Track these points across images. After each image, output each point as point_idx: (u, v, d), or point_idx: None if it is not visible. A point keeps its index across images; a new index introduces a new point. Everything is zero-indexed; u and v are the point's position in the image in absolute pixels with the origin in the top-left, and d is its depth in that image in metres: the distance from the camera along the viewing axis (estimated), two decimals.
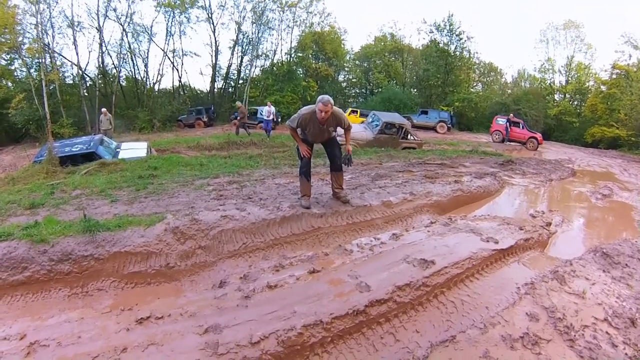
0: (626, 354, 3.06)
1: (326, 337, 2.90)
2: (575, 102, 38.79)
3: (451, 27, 34.87)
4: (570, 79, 38.65)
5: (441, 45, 35.39)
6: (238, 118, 19.45)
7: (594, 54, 39.96)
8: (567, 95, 39.00)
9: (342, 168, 5.66)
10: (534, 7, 63.50)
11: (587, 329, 3.31)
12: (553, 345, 3.08)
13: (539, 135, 23.96)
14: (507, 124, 24.02)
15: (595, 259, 4.94)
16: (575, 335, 3.20)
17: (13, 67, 23.64)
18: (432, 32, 36.11)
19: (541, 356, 2.94)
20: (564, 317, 3.43)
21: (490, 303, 3.63)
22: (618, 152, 27.29)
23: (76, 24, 24.71)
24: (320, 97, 4.93)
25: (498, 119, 25.23)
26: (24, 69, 23.00)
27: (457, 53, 35.63)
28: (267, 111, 19.31)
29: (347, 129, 5.55)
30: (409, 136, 15.20)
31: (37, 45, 21.89)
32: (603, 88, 34.67)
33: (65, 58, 25.40)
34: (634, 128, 26.26)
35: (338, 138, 5.83)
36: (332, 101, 4.92)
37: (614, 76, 33.81)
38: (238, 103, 19.71)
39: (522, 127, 24.26)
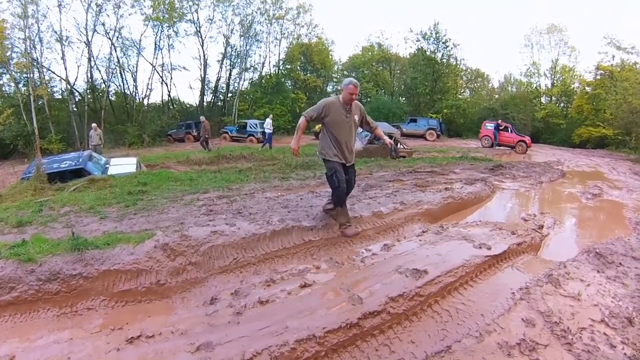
0: (625, 353, 3.05)
1: (320, 352, 2.86)
2: (562, 104, 39.38)
3: (437, 35, 35.32)
4: (555, 81, 39.28)
5: (428, 53, 35.80)
6: (202, 133, 19.04)
7: (578, 57, 40.79)
8: (554, 98, 39.58)
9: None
10: (519, 12, 64.57)
11: (584, 332, 3.30)
12: (550, 350, 3.06)
13: (527, 139, 24.14)
14: (495, 128, 24.26)
15: (589, 259, 4.96)
16: (572, 339, 3.19)
17: (1, 82, 23.49)
18: (419, 40, 36.56)
19: None
20: (560, 321, 3.42)
21: (485, 310, 3.62)
22: (605, 151, 27.78)
23: (65, 38, 24.62)
24: (348, 80, 4.76)
25: (487, 124, 25.46)
26: (12, 84, 22.83)
27: (444, 60, 36.06)
28: (269, 123, 19.47)
29: (373, 124, 5.48)
30: (398, 145, 15.24)
31: (25, 59, 21.74)
32: (588, 89, 35.32)
33: (54, 73, 25.27)
34: (620, 127, 26.60)
35: (358, 145, 5.85)
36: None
37: (598, 77, 34.46)
38: (202, 118, 19.48)
39: (511, 131, 24.45)
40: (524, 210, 7.59)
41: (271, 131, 19.69)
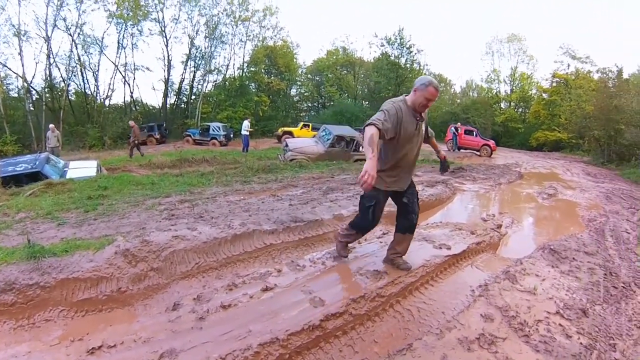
0: (581, 343, 3.23)
1: (284, 354, 2.89)
2: (520, 110, 41.19)
3: (402, 40, 36.03)
4: (514, 88, 41.02)
5: (392, 58, 36.44)
6: (131, 139, 18.08)
7: (536, 65, 42.75)
8: (512, 103, 41.33)
9: (414, 229, 4.23)
10: (481, 21, 66.76)
11: (540, 324, 3.48)
12: (509, 343, 3.19)
13: (492, 142, 24.79)
14: (455, 132, 24.91)
15: (544, 255, 5.24)
16: (529, 331, 3.35)
17: None
18: (384, 45, 37.16)
19: (498, 354, 3.04)
20: (517, 315, 3.59)
21: (446, 308, 3.74)
22: (561, 153, 29.34)
23: (23, 33, 23.52)
24: (426, 79, 3.51)
25: (452, 127, 26.03)
26: None
27: (408, 65, 36.80)
28: (247, 126, 19.29)
29: (432, 134, 4.19)
30: (360, 148, 15.35)
31: None
32: (545, 96, 37.24)
33: (10, 69, 24.10)
34: (574, 131, 28.17)
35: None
36: None
37: (555, 84, 36.41)
38: (131, 122, 18.63)
39: (476, 135, 25.02)
40: (483, 210, 7.86)
41: (248, 134, 19.52)
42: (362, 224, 4.08)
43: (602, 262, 5.18)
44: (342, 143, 15.02)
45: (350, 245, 4.57)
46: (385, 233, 5.68)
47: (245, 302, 3.53)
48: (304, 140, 16.75)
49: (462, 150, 24.77)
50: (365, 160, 3.06)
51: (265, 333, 2.97)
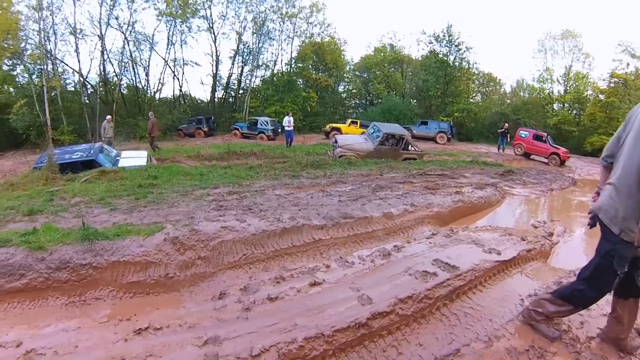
0: None
1: (327, 350, 2.85)
2: (574, 111, 38.92)
3: (450, 37, 35.05)
4: (568, 88, 38.82)
5: (440, 55, 35.54)
6: (150, 132, 17.39)
7: (592, 63, 40.06)
8: (566, 105, 39.13)
9: None
10: (533, 17, 64.04)
11: (592, 341, 3.26)
12: (559, 359, 3.02)
13: (562, 150, 21.37)
14: (502, 134, 23.66)
15: None
16: (581, 348, 3.15)
17: (15, 73, 23.63)
18: (432, 42, 36.28)
19: None
20: (569, 329, 3.38)
21: (494, 315, 3.58)
22: None
23: (78, 31, 24.75)
24: None
25: (521, 131, 23.50)
26: (26, 75, 22.99)
27: (457, 64, 35.76)
28: (288, 121, 19.40)
29: None
30: (409, 147, 15.24)
31: (39, 51, 21.89)
32: (601, 97, 34.85)
33: (67, 65, 25.43)
34: None
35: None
36: None
37: (612, 85, 34.02)
38: (150, 113, 18.28)
39: (545, 141, 21.83)
40: (534, 217, 7.55)
41: (290, 129, 19.59)
42: (592, 295, 2.91)
43: None
44: (391, 141, 14.90)
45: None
46: (434, 234, 5.54)
47: (292, 296, 3.53)
48: (353, 137, 16.68)
49: (531, 157, 22.22)
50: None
51: (311, 328, 2.94)
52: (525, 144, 22.41)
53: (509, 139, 24.23)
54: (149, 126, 17.31)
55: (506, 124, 25.53)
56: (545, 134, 22.83)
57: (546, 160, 21.13)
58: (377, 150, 14.39)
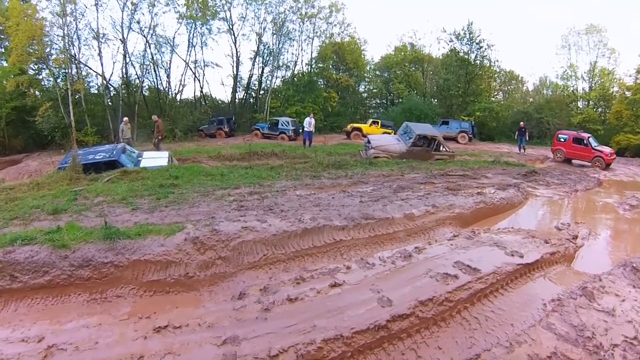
0: None
1: (346, 352, 2.84)
2: (600, 109, 37.72)
3: (471, 35, 34.50)
4: (593, 85, 37.65)
5: (461, 54, 34.99)
6: (155, 133, 16.79)
7: (618, 59, 38.73)
8: (591, 102, 37.96)
9: None
10: (556, 12, 62.59)
11: (617, 349, 3.18)
12: None
13: (607, 152, 19.27)
14: (519, 132, 22.68)
15: (625, 273, 4.75)
16: (605, 355, 3.07)
17: (41, 77, 24.34)
18: (452, 41, 35.72)
19: None
20: (593, 336, 3.29)
21: (515, 320, 3.52)
22: None
23: (101, 36, 25.23)
24: None
25: (560, 135, 20.60)
26: (51, 79, 23.60)
27: (478, 62, 35.15)
28: (308, 122, 19.42)
29: None
30: (441, 148, 15.18)
31: (63, 56, 22.45)
32: (628, 94, 33.65)
33: (91, 68, 25.94)
34: None
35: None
36: None
37: (639, 81, 32.89)
38: (154, 117, 17.78)
39: (587, 144, 19.29)
40: (557, 218, 7.36)
41: (311, 130, 19.51)
42: None
43: None
44: (423, 142, 14.86)
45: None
46: (456, 235, 5.46)
47: (312, 297, 3.54)
48: (386, 138, 16.60)
49: (573, 162, 19.78)
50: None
51: (330, 329, 2.93)
52: (565, 148, 19.95)
53: (527, 138, 23.44)
54: (158, 128, 16.97)
55: (522, 122, 24.71)
56: (587, 136, 20.22)
57: (590, 164, 18.73)
58: (410, 151, 14.32)
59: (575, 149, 19.60)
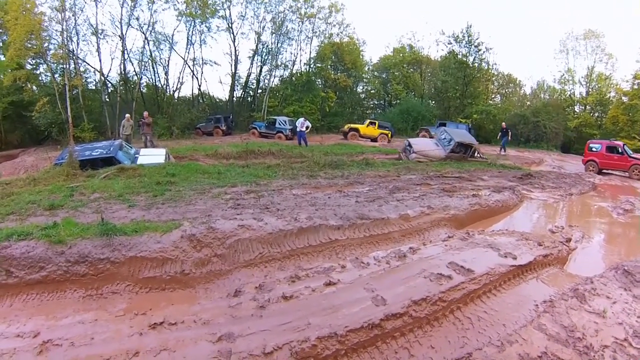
0: None
1: (340, 350, 2.87)
2: (596, 114, 37.95)
3: (470, 38, 34.58)
4: (590, 90, 37.88)
5: (460, 56, 35.06)
6: (142, 130, 16.75)
7: (615, 64, 38.96)
8: (588, 107, 38.20)
9: None
10: (554, 17, 62.80)
11: (606, 350, 3.22)
12: None
13: None
14: (503, 133, 21.96)
15: (617, 276, 4.80)
16: (594, 356, 3.12)
17: (38, 72, 24.29)
18: (451, 43, 35.79)
19: None
20: (583, 337, 3.34)
21: (507, 320, 3.56)
22: None
23: (100, 31, 25.20)
24: None
25: (591, 144, 18.98)
26: (49, 74, 23.53)
27: (476, 64, 35.25)
28: (301, 123, 19.56)
29: None
30: (476, 154, 15.76)
31: (61, 51, 22.38)
32: (624, 99, 33.89)
33: (89, 64, 25.89)
34: None
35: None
36: None
37: (636, 86, 33.02)
38: (145, 113, 17.46)
39: (622, 152, 17.70)
40: (551, 221, 7.42)
41: (303, 130, 19.65)
42: None
43: None
44: (461, 148, 15.39)
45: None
46: (450, 236, 5.50)
47: (307, 295, 3.57)
48: (426, 143, 16.82)
49: (604, 172, 17.99)
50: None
51: (324, 327, 2.97)
52: (598, 159, 18.13)
53: (510, 138, 23.30)
54: (147, 125, 16.91)
55: (503, 123, 24.56)
56: (622, 144, 18.73)
57: (627, 174, 17.30)
58: (449, 157, 14.85)
59: (609, 158, 18.01)
